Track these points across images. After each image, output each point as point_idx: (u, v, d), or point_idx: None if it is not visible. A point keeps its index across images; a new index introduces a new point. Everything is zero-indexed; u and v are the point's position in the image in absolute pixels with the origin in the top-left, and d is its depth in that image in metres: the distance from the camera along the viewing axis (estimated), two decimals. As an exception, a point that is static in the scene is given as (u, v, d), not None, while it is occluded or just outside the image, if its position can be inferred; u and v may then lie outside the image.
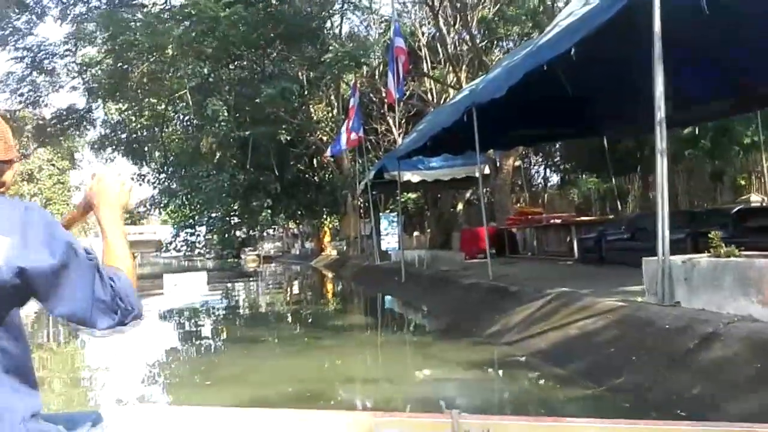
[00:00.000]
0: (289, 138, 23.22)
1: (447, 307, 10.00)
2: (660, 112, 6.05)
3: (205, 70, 22.05)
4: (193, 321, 13.11)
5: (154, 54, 19.05)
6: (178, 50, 17.86)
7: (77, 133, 25.24)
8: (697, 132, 14.30)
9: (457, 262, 15.17)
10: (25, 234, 1.39)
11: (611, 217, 16.24)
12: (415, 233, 30.22)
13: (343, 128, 21.62)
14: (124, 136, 27.59)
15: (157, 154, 27.97)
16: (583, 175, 20.79)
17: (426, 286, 12.39)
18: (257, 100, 19.22)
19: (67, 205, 45.16)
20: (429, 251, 17.05)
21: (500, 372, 6.28)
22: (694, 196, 14.10)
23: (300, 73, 21.91)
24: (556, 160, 27.70)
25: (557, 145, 24.97)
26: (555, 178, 29.71)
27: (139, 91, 21.69)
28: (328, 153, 24.06)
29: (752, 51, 8.88)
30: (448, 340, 7.83)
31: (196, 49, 17.95)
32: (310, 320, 11.74)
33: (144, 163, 29.85)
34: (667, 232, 6.01)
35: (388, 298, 14.11)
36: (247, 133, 21.05)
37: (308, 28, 19.25)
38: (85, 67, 21.47)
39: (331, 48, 18.74)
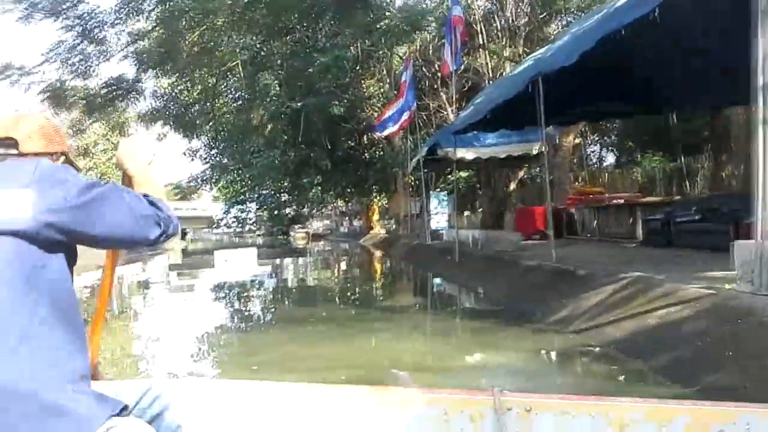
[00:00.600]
0: (341, 112, 22.70)
1: (506, 290, 9.46)
2: (763, 77, 5.34)
3: (257, 44, 21.75)
4: (242, 299, 12.92)
5: (205, 23, 18.70)
6: (228, 18, 17.48)
7: (126, 104, 25.19)
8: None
9: (512, 242, 14.56)
10: (44, 185, 1.41)
11: (678, 198, 15.35)
12: (466, 213, 29.59)
13: (394, 107, 21.05)
14: (174, 109, 27.45)
15: (207, 128, 27.82)
16: (645, 155, 19.80)
17: (482, 267, 11.86)
18: (310, 70, 18.74)
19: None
20: (483, 231, 16.46)
21: (571, 364, 5.75)
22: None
23: (352, 46, 21.30)
24: (613, 138, 26.59)
25: (615, 123, 23.92)
26: (611, 158, 28.62)
27: (189, 62, 21.43)
28: (377, 133, 23.56)
29: None
30: (510, 326, 7.31)
31: (246, 17, 17.56)
32: (360, 301, 11.37)
33: (195, 137, 29.84)
34: (767, 213, 5.33)
35: (440, 279, 13.65)
36: (299, 105, 20.61)
37: None
38: (135, 37, 21.29)
39: (387, 14, 18.08)
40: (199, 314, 10.26)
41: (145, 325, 9.63)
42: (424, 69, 27.76)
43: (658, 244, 12.60)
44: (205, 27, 18.88)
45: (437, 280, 13.70)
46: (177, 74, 23.98)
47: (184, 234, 68.26)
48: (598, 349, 5.72)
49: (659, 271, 7.40)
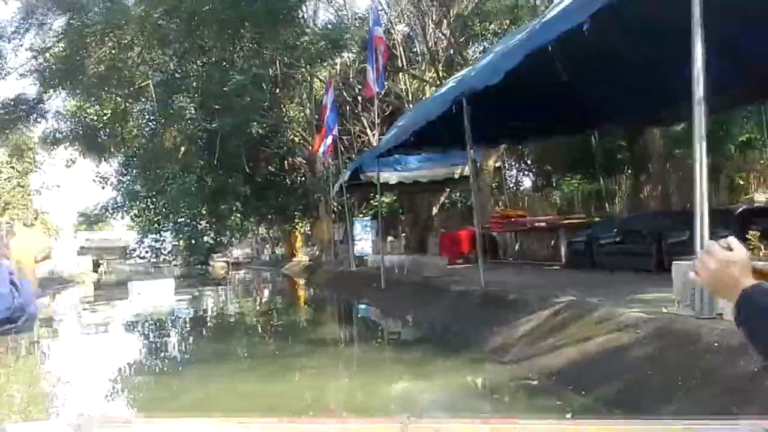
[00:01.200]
0: (260, 132, 21.89)
1: (436, 317, 9.06)
2: (699, 88, 5.21)
3: (171, 65, 20.84)
4: (158, 334, 12.12)
5: (112, 37, 17.56)
6: (138, 32, 16.48)
7: (26, 125, 23.38)
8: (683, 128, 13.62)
9: (439, 267, 14.28)
10: None
11: (598, 219, 15.53)
12: (389, 238, 29.31)
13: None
14: (81, 131, 25.74)
15: (118, 152, 26.14)
16: (564, 177, 20.11)
17: (409, 294, 11.45)
18: (225, 89, 17.96)
19: (27, 209, 43.11)
20: (409, 256, 16.12)
21: (510, 398, 5.35)
22: (687, 196, 13.40)
23: (271, 66, 20.67)
24: (530, 162, 27.06)
25: (533, 147, 24.34)
26: (528, 182, 29.11)
27: (96, 81, 20.13)
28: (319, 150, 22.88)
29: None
30: (442, 357, 6.89)
31: (158, 34, 16.62)
32: (282, 334, 10.70)
33: (105, 161, 28.05)
34: (706, 232, 5.15)
35: (367, 307, 13.15)
36: (214, 125, 19.69)
37: (283, 7, 17.87)
38: (36, 53, 19.82)
39: (307, 30, 17.59)
40: (111, 352, 9.39)
41: (44, 365, 8.70)
42: (345, 93, 27.52)
43: (581, 266, 12.59)
44: (112, 43, 17.79)
45: (363, 308, 13.20)
46: (82, 94, 22.53)
47: (97, 265, 64.89)
48: (536, 381, 5.36)
49: (591, 293, 7.21)
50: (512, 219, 17.29)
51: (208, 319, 14.71)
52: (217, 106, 21.38)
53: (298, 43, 17.76)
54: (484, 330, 7.25)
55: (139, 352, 9.81)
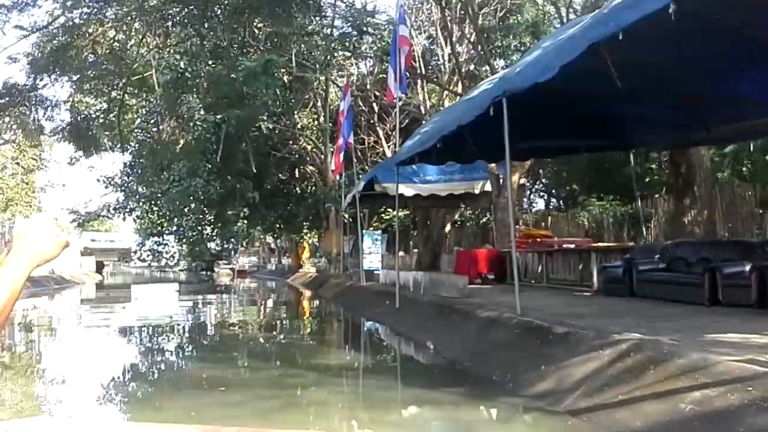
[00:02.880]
0: (269, 128, 20.65)
1: (462, 347, 7.88)
2: None
3: (182, 64, 19.85)
4: (145, 344, 11.27)
5: (110, 16, 16.35)
6: (138, 12, 15.35)
7: (24, 114, 22.24)
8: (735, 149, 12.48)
9: (458, 287, 13.08)
10: None
11: (633, 244, 14.38)
12: (400, 253, 28.19)
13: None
14: (74, 121, 24.41)
15: (109, 144, 24.77)
16: (590, 198, 18.95)
17: (428, 317, 10.27)
18: (233, 76, 16.79)
19: (30, 207, 42.27)
20: (425, 273, 14.95)
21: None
22: (736, 223, 12.25)
23: (285, 56, 19.45)
24: (553, 181, 25.91)
25: (556, 166, 23.23)
26: (545, 201, 27.96)
27: (92, 67, 19.01)
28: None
29: None
30: (480, 399, 5.72)
31: (163, 14, 15.46)
32: (285, 356, 9.50)
33: (94, 152, 26.69)
34: None
35: (380, 327, 11.97)
36: (218, 117, 18.52)
37: None
38: (26, 31, 18.65)
39: (327, 12, 16.41)
40: (103, 362, 8.73)
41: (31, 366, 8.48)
42: (360, 102, 26.54)
43: (615, 293, 11.44)
44: (110, 26, 16.71)
45: (376, 330, 12.03)
46: (76, 80, 21.36)
47: (101, 267, 64.15)
48: (613, 445, 4.18)
49: (649, 329, 6.07)
50: (537, 239, 16.15)
51: (207, 331, 13.70)
52: (225, 98, 20.28)
53: (317, 28, 16.56)
54: (526, 369, 6.08)
55: (119, 362, 8.89)
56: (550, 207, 25.04)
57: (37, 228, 1.50)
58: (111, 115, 23.86)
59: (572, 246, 14.81)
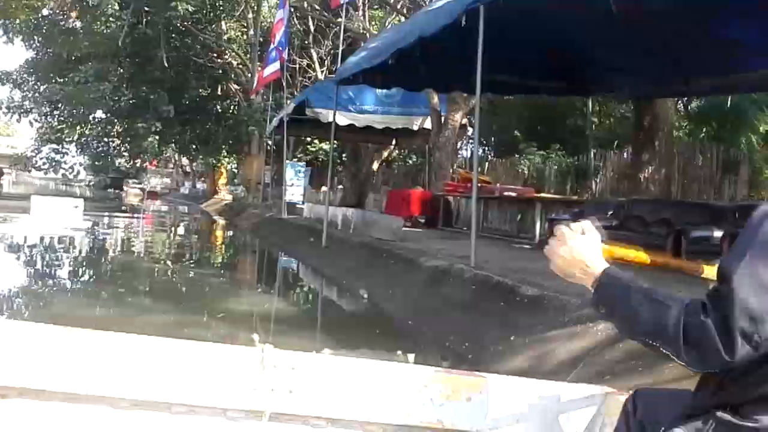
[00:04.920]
0: (188, 10, 18.08)
1: (405, 301, 6.64)
2: None
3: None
4: (41, 259, 10.45)
5: None
6: None
7: None
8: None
9: (392, 229, 11.84)
10: None
11: (577, 198, 13.53)
12: (323, 188, 26.78)
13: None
14: None
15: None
16: (531, 146, 17.97)
17: (361, 260, 8.98)
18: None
19: None
20: (358, 210, 13.64)
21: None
22: (691, 188, 11.51)
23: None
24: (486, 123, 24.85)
25: (497, 110, 22.13)
26: (487, 145, 26.94)
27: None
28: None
29: None
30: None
31: None
32: (193, 297, 7.93)
33: None
34: None
35: (303, 268, 10.60)
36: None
37: None
38: None
39: None
40: None
41: None
42: (295, 20, 24.33)
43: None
44: None
45: (299, 270, 10.66)
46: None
47: (0, 174, 59.35)
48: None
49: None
50: (479, 185, 15.03)
51: (110, 253, 12.35)
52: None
53: None
54: (492, 338, 4.88)
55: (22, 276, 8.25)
56: (487, 152, 23.97)
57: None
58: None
59: (513, 194, 13.79)
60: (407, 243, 9.89)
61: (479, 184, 14.96)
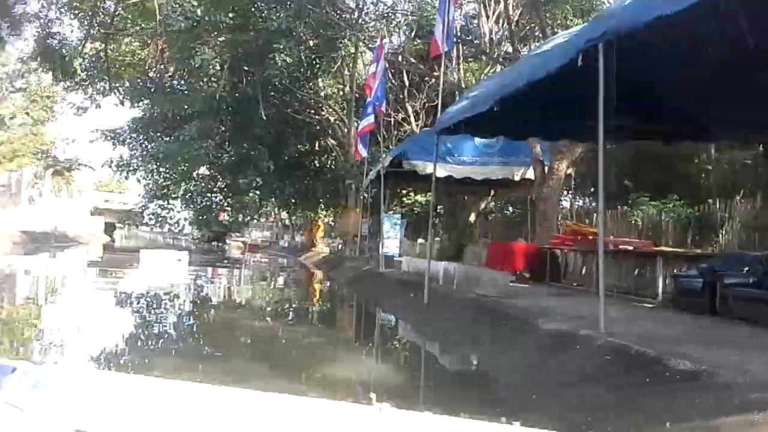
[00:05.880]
0: (286, 61, 18.39)
1: (522, 371, 5.86)
2: None
3: (198, 11, 17.79)
4: (142, 312, 10.76)
5: None
6: None
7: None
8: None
9: (498, 284, 11.09)
10: None
11: (700, 251, 12.26)
12: (420, 240, 26.28)
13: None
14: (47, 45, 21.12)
15: (77, 66, 21.31)
16: (643, 196, 16.74)
17: (467, 321, 8.26)
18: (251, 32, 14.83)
19: (38, 159, 40.72)
20: (461, 265, 12.97)
21: None
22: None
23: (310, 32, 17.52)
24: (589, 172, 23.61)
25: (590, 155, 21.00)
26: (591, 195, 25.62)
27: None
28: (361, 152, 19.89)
29: None
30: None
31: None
32: (288, 359, 7.49)
33: (60, 77, 23.30)
34: None
35: (403, 326, 10.00)
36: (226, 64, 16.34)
37: None
38: None
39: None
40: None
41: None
42: (390, 75, 24.44)
43: (692, 310, 9.33)
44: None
45: (399, 328, 10.06)
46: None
47: (112, 228, 63.23)
48: None
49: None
50: (587, 236, 14.03)
51: (205, 311, 12.24)
52: (243, 57, 18.19)
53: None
54: (642, 424, 4.05)
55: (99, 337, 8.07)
56: (590, 202, 22.73)
57: None
58: (96, 44, 21.39)
59: (630, 248, 12.70)
60: (515, 300, 9.12)
61: (589, 236, 14.10)
